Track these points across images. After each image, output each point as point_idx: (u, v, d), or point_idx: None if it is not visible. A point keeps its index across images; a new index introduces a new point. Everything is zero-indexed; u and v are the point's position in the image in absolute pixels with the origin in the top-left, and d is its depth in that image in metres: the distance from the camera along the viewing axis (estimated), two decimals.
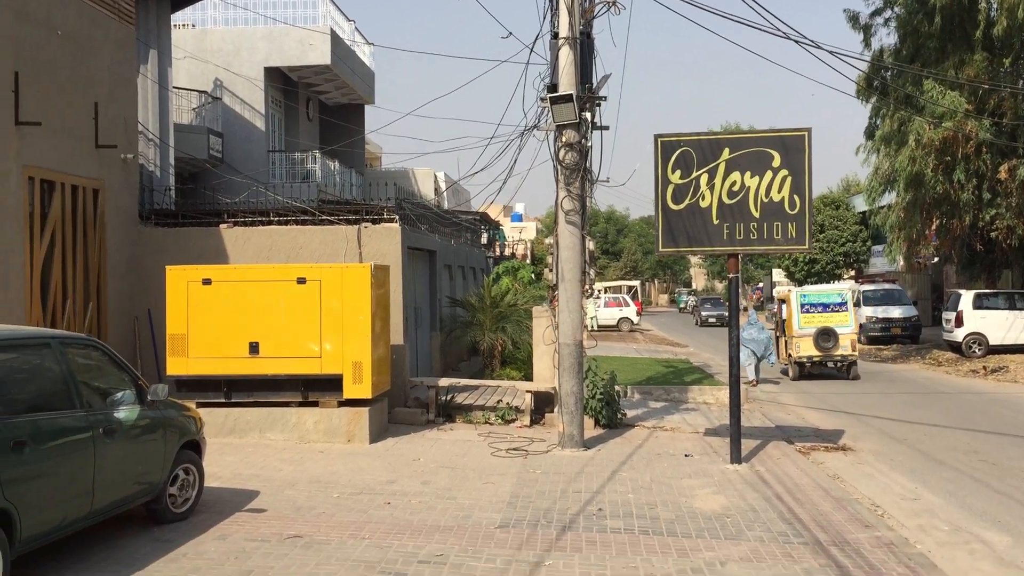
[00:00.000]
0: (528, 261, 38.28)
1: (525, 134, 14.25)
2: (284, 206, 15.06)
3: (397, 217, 14.24)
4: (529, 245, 43.52)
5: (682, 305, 73.59)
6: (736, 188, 11.08)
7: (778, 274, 53.74)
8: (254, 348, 11.92)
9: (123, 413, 7.01)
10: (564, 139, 11.89)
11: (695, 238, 11.25)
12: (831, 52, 14.57)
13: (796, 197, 10.96)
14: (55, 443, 6.21)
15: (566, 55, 11.88)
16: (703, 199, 11.16)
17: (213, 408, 11.80)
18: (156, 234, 14.38)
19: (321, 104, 28.65)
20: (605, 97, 12.16)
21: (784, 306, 22.07)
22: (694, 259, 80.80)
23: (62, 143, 12.10)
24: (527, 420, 13.53)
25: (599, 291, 43.82)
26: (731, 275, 11.44)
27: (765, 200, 11.01)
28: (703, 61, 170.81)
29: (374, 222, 14.24)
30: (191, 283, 12.02)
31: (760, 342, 19.74)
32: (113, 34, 13.44)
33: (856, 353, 21.17)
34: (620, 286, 53.51)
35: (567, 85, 11.86)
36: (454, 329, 18.22)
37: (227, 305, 11.97)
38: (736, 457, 10.98)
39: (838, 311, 21.02)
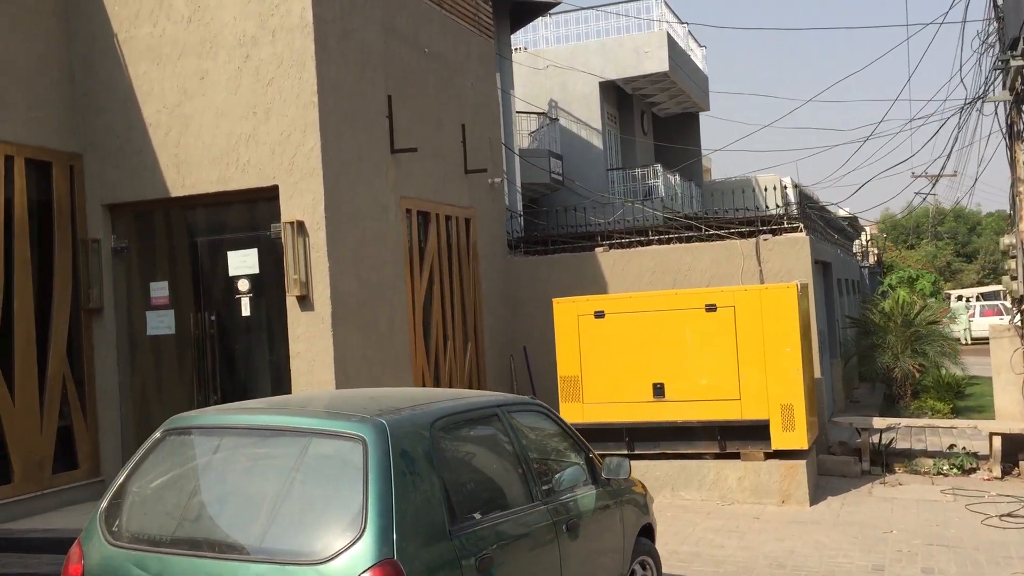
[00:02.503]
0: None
1: (966, 108, 11.50)
2: (667, 223, 13.21)
3: (801, 226, 11.88)
4: (877, 251, 39.04)
5: None
6: None
7: None
8: (658, 390, 10.08)
9: (581, 499, 5.28)
10: None
11: None
12: None
13: None
14: (520, 552, 4.55)
15: None
16: None
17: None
18: (525, 263, 13.10)
19: (654, 116, 27.03)
20: None
21: None
22: None
23: (434, 170, 11.06)
24: (997, 470, 10.59)
25: (968, 298, 38.24)
26: None
27: None
28: None
29: (774, 233, 11.99)
30: (582, 317, 10.43)
31: None
32: (476, 50, 12.36)
33: None
34: (997, 291, 46.16)
35: None
36: (854, 354, 15.43)
37: (624, 341, 10.24)
38: None
39: None
